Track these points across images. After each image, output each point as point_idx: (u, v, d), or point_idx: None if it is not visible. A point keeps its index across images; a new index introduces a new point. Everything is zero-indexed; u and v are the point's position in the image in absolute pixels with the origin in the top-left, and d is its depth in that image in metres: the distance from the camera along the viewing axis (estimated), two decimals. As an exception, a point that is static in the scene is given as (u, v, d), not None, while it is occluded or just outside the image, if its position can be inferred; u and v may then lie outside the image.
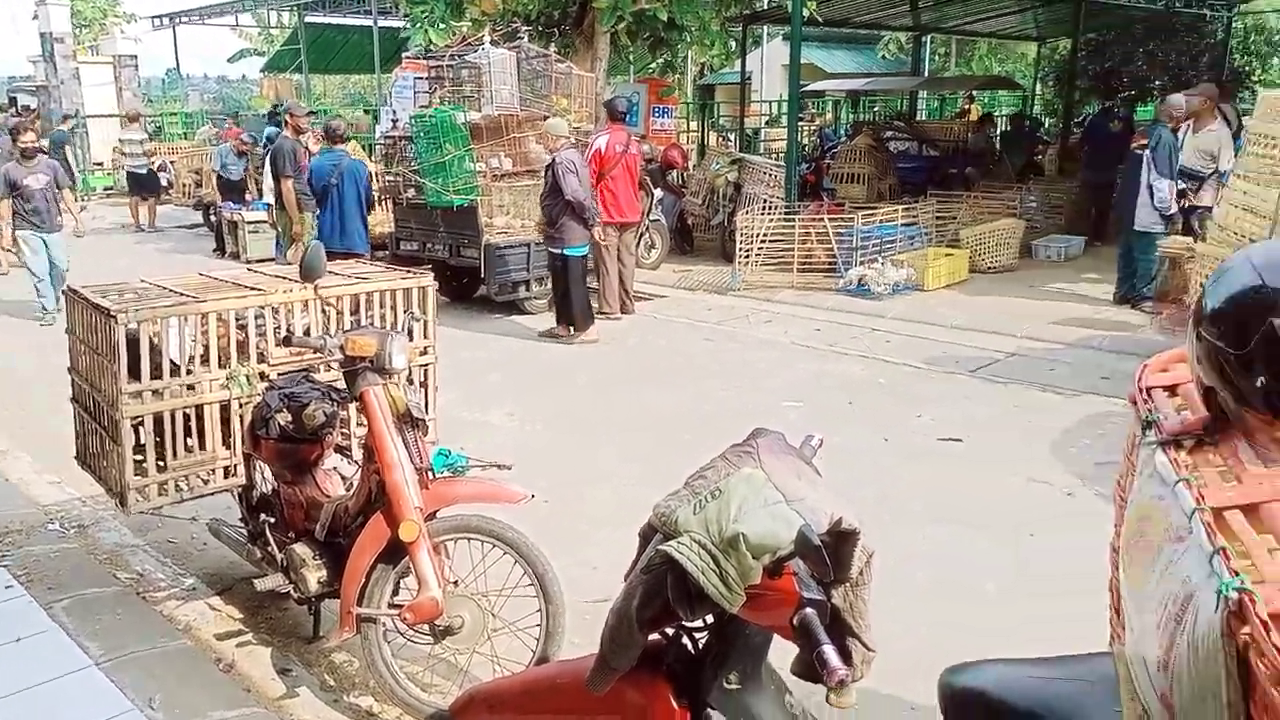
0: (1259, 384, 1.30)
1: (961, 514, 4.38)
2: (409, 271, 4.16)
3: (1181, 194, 8.01)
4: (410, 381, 3.78)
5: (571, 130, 9.13)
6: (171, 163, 16.54)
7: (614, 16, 10.58)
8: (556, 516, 4.18)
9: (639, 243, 9.69)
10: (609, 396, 6.31)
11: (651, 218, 10.28)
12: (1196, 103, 8.07)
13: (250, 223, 11.59)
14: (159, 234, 14.32)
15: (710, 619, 1.67)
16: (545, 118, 9.03)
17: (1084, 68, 18.03)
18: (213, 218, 13.34)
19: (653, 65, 17.50)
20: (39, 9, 22.97)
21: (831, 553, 1.48)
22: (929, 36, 22.28)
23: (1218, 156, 8.08)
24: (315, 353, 3.19)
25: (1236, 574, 1.15)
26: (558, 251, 7.58)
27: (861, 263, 9.09)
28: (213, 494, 3.56)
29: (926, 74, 23.08)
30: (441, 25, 11.92)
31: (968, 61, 29.22)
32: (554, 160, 7.47)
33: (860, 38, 26.63)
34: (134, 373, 3.33)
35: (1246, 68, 19.41)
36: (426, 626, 2.88)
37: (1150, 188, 7.83)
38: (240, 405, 3.50)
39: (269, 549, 3.38)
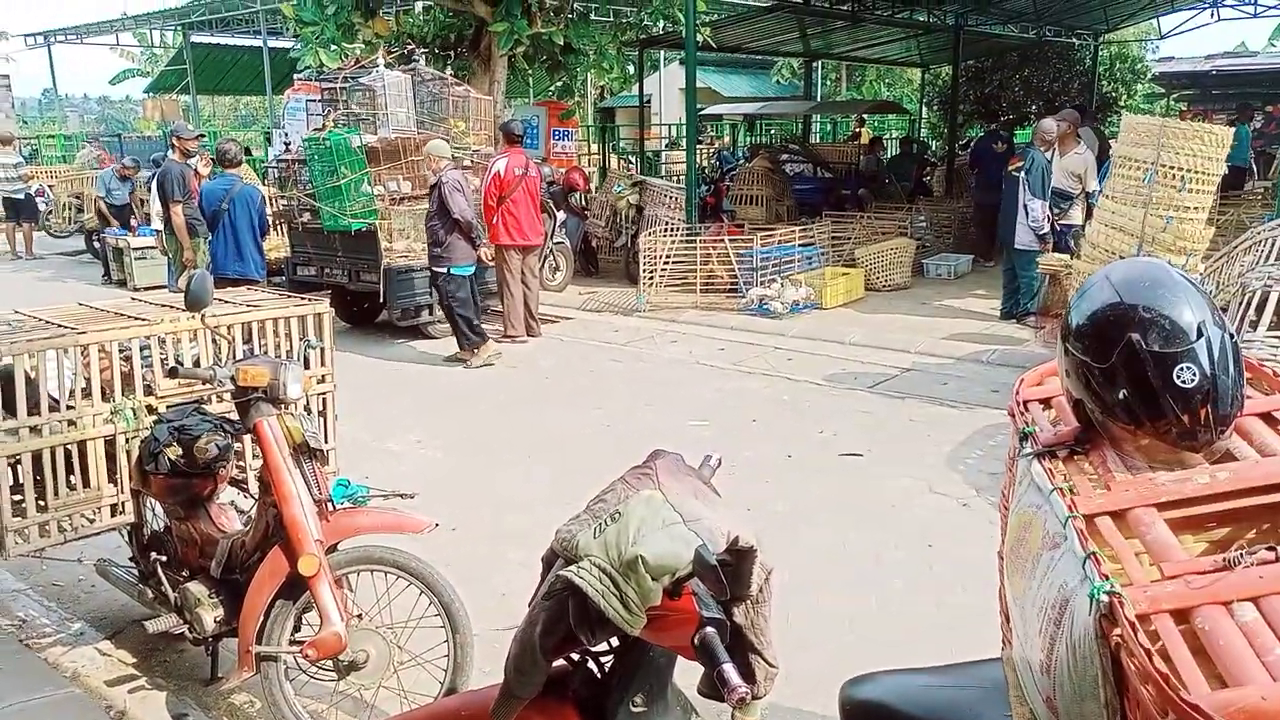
0: (1121, 396, 1.39)
1: (864, 528, 4.50)
2: (304, 298, 4.07)
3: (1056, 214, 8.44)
4: (308, 411, 3.69)
5: (472, 154, 9.12)
6: (50, 187, 15.77)
7: (511, 40, 10.61)
8: (463, 543, 4.14)
9: (543, 265, 9.69)
10: (515, 420, 6.28)
11: (555, 240, 10.29)
12: (1061, 127, 8.52)
13: (137, 249, 11.15)
14: (38, 261, 13.65)
15: (614, 642, 1.68)
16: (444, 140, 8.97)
17: (965, 93, 18.89)
18: (97, 244, 12.77)
19: (552, 88, 17.55)
20: (-101, 25, 21.73)
21: (730, 571, 1.50)
22: (820, 62, 22.99)
23: (1083, 177, 8.55)
24: (205, 384, 3.10)
25: (1107, 578, 1.22)
26: (443, 270, 7.56)
27: (762, 283, 9.28)
28: (99, 533, 3.41)
29: (819, 98, 23.79)
30: (333, 47, 11.75)
31: (858, 86, 30.26)
32: (440, 180, 7.48)
33: (755, 62, 27.32)
34: (8, 409, 3.18)
35: (1113, 93, 20.62)
36: (330, 662, 2.81)
37: (1026, 207, 8.24)
38: (126, 440, 3.36)
39: (161, 589, 3.25)
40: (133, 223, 11.81)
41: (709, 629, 1.50)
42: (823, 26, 16.81)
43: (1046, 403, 1.74)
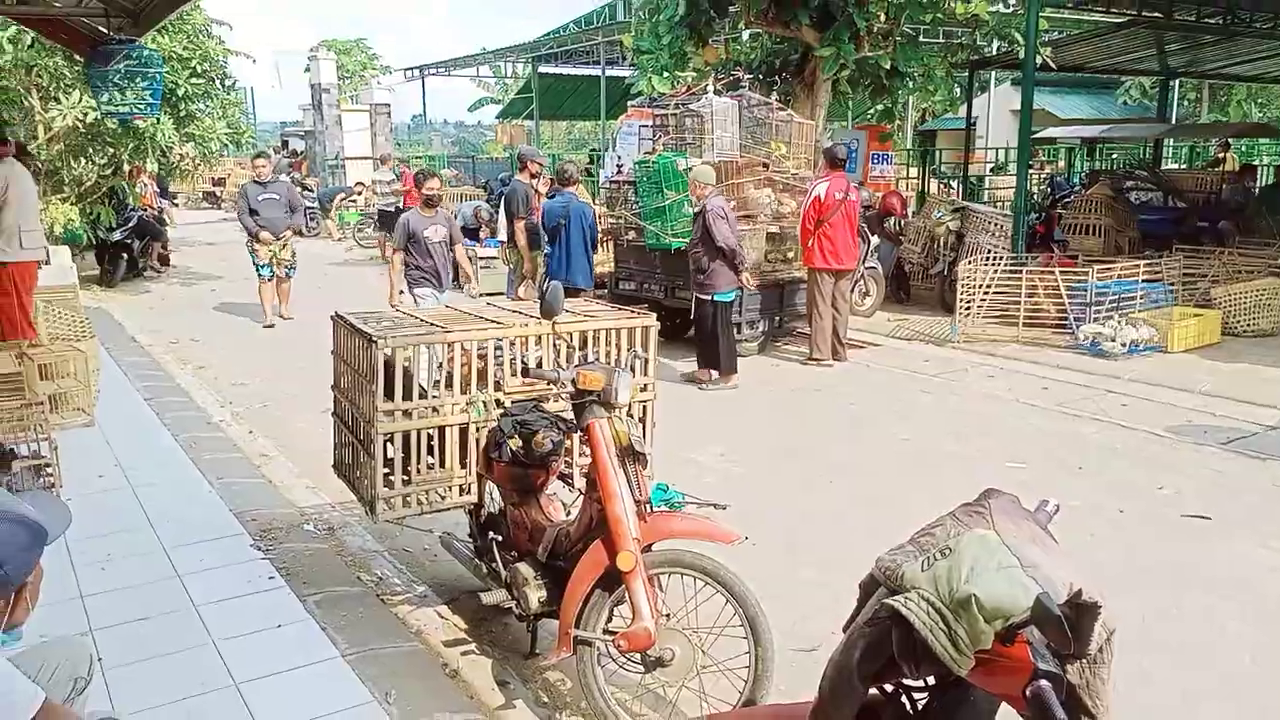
0: None
1: (1207, 598, 4.01)
2: (633, 311, 4.35)
3: None
4: (630, 416, 3.93)
5: (790, 176, 9.23)
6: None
7: (836, 64, 10.62)
8: (762, 559, 4.18)
9: (853, 290, 9.58)
10: (817, 442, 6.26)
11: (868, 265, 10.14)
12: None
13: (482, 258, 12.41)
14: (401, 266, 15.59)
15: (932, 680, 1.64)
16: (764, 164, 9.17)
17: (1367, 113, 16.18)
18: (449, 253, 14.37)
19: (872, 111, 17.30)
20: (311, 63, 25.82)
21: (1070, 625, 1.43)
22: (1177, 80, 20.75)
23: None
24: (549, 384, 3.40)
25: None
26: (706, 298, 7.64)
27: (1096, 319, 8.55)
28: (447, 509, 3.82)
29: (1174, 120, 21.46)
30: (665, 74, 12.40)
31: (1222, 106, 26.95)
32: (704, 208, 7.56)
33: (1097, 81, 25.17)
34: (388, 393, 3.67)
35: None
36: (638, 656, 2.97)
37: None
38: (477, 429, 3.76)
39: (494, 566, 3.60)
40: (481, 235, 13.13)
41: (1044, 682, 1.43)
42: (1187, 41, 15.16)
43: None
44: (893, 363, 8.51)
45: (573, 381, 3.18)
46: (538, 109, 25.46)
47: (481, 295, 10.88)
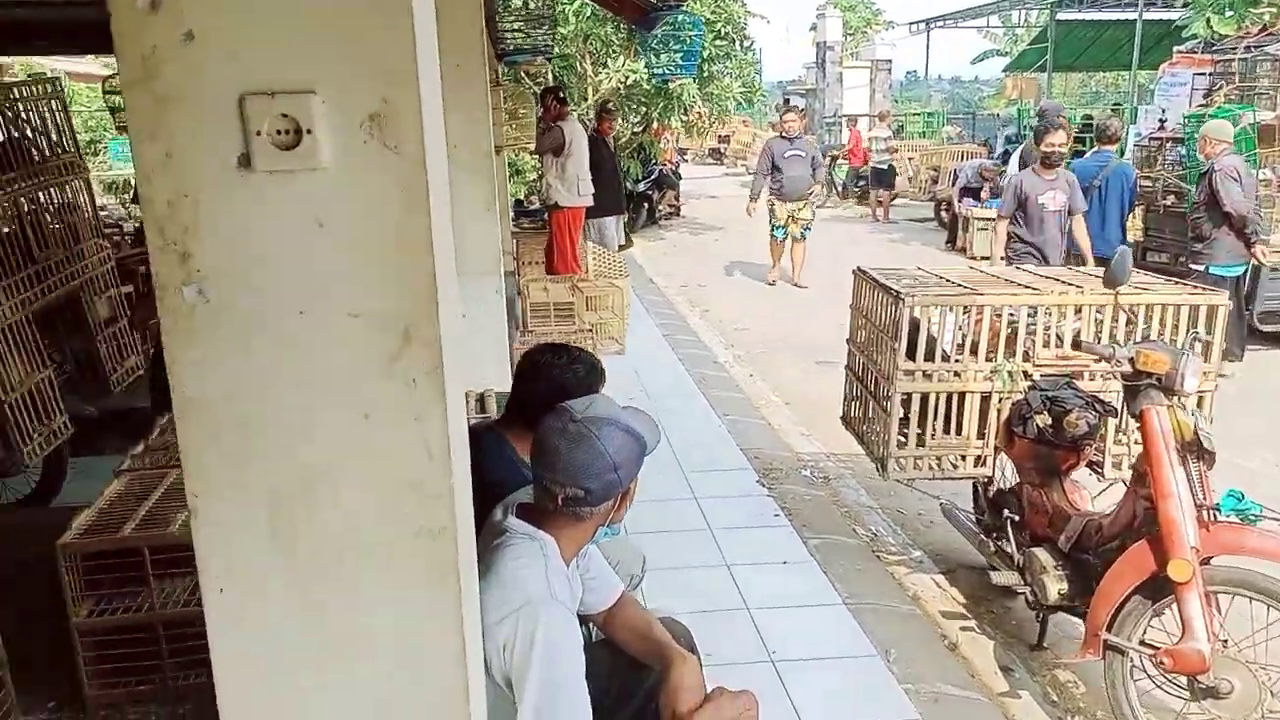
0: None
1: None
2: (1198, 288, 3.79)
3: None
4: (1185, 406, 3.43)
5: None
6: (910, 159, 17.64)
7: None
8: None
9: None
10: None
11: None
12: None
13: (980, 219, 11.75)
14: (890, 225, 15.41)
15: None
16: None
17: None
18: (944, 214, 13.87)
19: None
20: (818, 21, 26.33)
21: None
22: None
23: None
24: (1099, 360, 3.08)
25: None
26: (1199, 268, 6.38)
27: None
28: (959, 479, 3.69)
29: None
30: (1230, 13, 10.62)
31: None
32: (1212, 167, 6.30)
33: None
34: (909, 353, 3.60)
35: None
36: (1184, 679, 2.61)
37: None
38: (1000, 400, 3.56)
39: (1003, 545, 3.40)
40: (983, 195, 12.45)
41: None
42: None
43: None
44: None
45: (1130, 361, 2.84)
46: (1052, 60, 23.33)
47: (982, 259, 10.38)
